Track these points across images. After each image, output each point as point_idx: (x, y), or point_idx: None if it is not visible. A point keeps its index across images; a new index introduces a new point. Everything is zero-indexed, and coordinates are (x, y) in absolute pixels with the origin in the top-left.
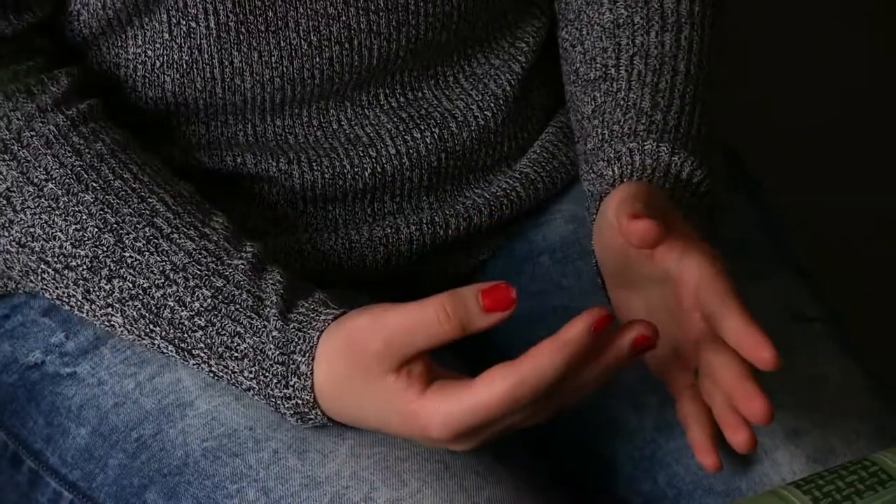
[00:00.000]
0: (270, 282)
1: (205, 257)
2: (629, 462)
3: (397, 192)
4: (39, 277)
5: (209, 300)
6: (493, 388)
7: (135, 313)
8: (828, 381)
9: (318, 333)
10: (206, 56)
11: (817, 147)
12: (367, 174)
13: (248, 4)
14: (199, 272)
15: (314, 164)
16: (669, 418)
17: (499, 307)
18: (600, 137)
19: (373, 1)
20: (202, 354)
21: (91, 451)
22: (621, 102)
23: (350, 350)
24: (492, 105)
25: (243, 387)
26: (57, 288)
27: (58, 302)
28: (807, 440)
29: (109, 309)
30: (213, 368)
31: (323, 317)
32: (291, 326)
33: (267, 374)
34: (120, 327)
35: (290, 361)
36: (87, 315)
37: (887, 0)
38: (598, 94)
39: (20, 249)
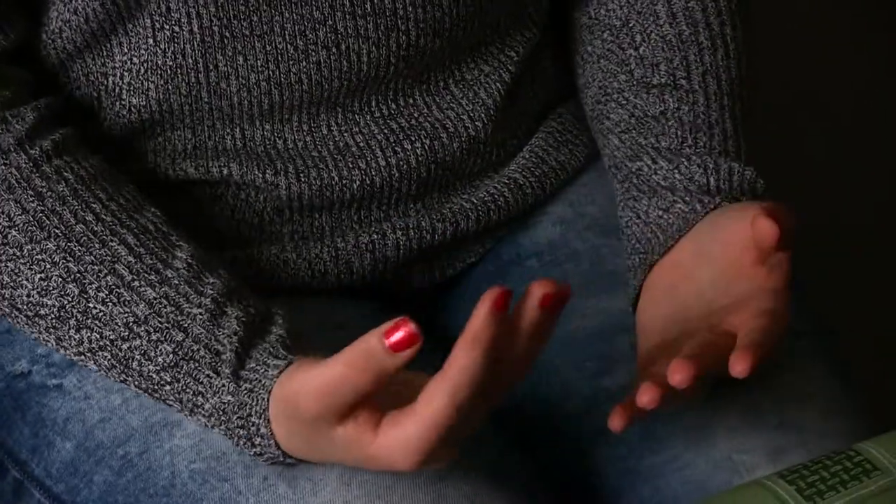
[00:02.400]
0: (227, 332)
1: (164, 307)
2: (614, 474)
3: (384, 201)
4: (15, 321)
5: (171, 356)
6: (434, 404)
7: (106, 363)
8: (813, 400)
9: (267, 394)
10: (189, 61)
11: (806, 158)
12: (355, 186)
13: (231, 9)
14: (159, 325)
15: (301, 175)
16: (655, 431)
17: (403, 345)
18: (680, 140)
19: (360, 6)
20: (176, 406)
21: (76, 465)
22: (702, 115)
23: (294, 415)
24: (482, 115)
25: (210, 425)
26: (32, 333)
27: (40, 342)
28: (789, 459)
29: (82, 357)
30: (190, 419)
31: (271, 372)
32: (243, 388)
33: (233, 435)
34: (96, 372)
35: (250, 424)
36: (67, 357)
37: (889, 3)
38: (671, 100)
39: None
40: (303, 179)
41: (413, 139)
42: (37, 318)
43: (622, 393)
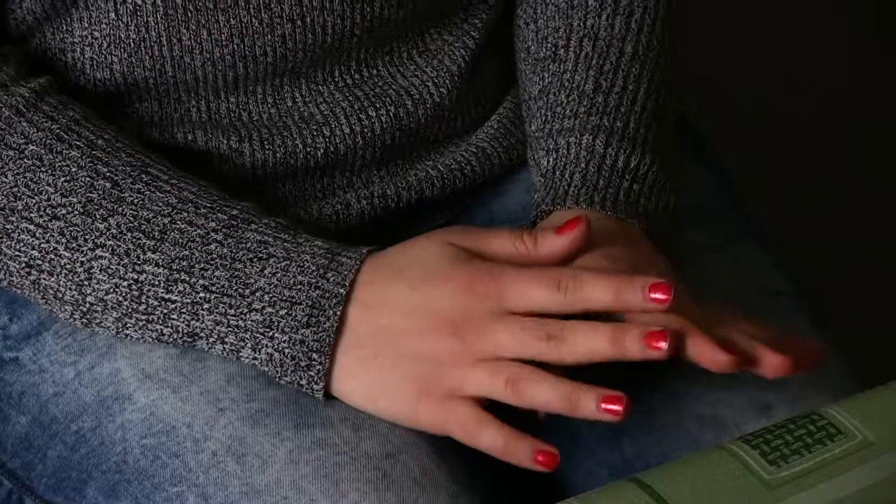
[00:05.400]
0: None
1: (211, 195)
2: (592, 433)
3: (348, 168)
4: (14, 241)
5: (226, 220)
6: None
7: (130, 245)
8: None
9: (366, 249)
10: (153, 34)
11: (777, 119)
12: (319, 153)
13: None
14: (209, 204)
15: (266, 142)
16: (639, 388)
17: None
18: (543, 120)
19: None
20: (205, 269)
21: (31, 440)
22: (566, 84)
23: (395, 259)
24: (447, 82)
25: (249, 289)
26: (33, 248)
27: (20, 276)
28: (777, 414)
29: (98, 250)
30: (210, 281)
31: (366, 247)
32: (335, 242)
33: (302, 265)
34: (100, 272)
35: (335, 260)
36: (61, 275)
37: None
38: (546, 75)
39: None
40: (267, 147)
41: (378, 106)
42: (52, 222)
43: None
